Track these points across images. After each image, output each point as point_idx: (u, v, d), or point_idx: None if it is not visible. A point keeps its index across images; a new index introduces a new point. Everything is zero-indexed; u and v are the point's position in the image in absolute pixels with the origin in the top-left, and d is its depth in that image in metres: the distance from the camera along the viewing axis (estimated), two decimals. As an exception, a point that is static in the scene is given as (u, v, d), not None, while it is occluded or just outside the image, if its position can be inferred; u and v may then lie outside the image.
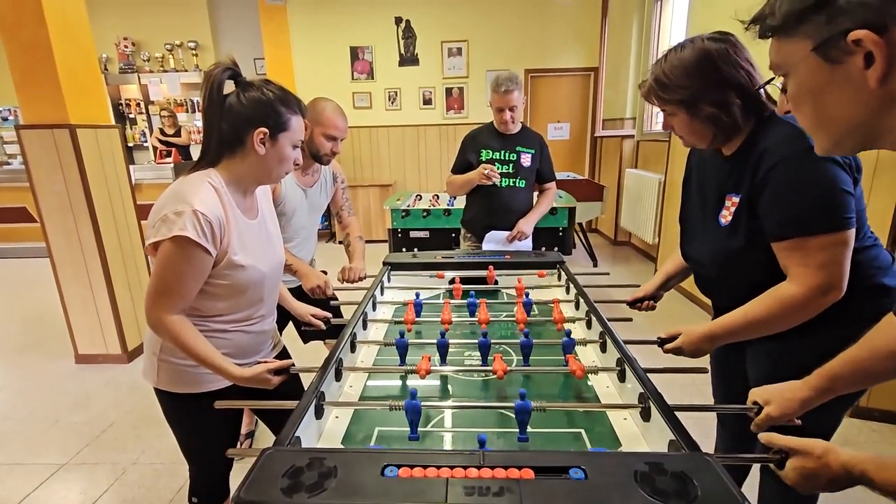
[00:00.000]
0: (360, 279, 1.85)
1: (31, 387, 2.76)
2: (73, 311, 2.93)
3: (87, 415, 2.44)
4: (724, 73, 1.01)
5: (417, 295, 1.52)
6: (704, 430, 1.40)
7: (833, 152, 0.63)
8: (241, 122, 1.06)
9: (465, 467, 0.71)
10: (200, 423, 1.23)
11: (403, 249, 3.51)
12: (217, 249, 1.05)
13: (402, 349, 1.19)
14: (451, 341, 1.19)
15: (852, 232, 0.96)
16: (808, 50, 0.55)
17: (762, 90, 1.02)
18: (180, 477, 1.95)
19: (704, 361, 1.37)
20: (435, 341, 1.18)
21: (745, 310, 1.06)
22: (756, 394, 0.93)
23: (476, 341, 1.20)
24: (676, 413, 0.89)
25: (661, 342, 1.21)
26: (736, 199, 1.10)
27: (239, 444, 2.07)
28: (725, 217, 1.13)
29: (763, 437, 0.80)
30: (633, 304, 1.49)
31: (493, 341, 1.21)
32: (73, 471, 2.03)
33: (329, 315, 1.48)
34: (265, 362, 1.12)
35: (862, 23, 0.49)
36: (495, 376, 1.07)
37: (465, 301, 1.50)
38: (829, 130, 0.59)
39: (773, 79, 0.64)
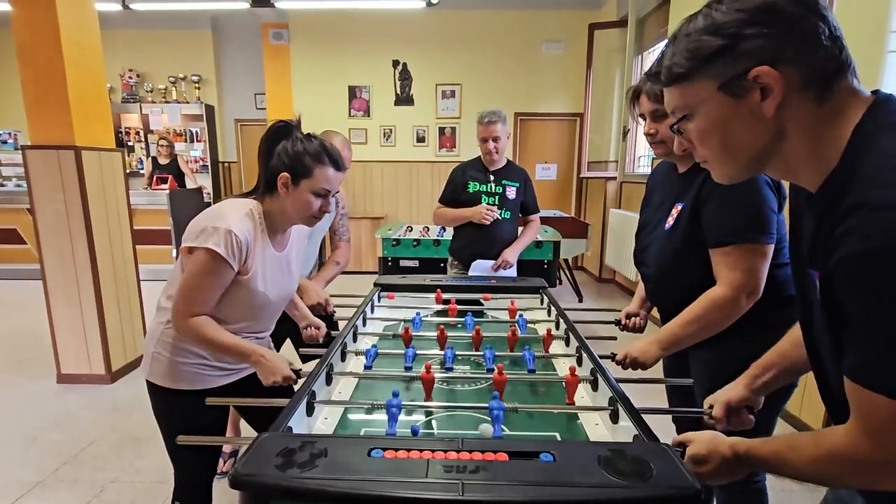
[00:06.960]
0: (324, 304, 1.80)
1: (8, 405, 2.72)
2: (60, 330, 2.93)
3: (66, 433, 2.40)
4: None
5: (418, 314, 1.64)
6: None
7: (734, 179, 0.71)
8: (276, 167, 1.22)
9: (445, 451, 0.78)
10: (186, 421, 1.27)
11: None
12: (238, 266, 1.18)
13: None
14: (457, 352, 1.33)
15: (772, 246, 1.14)
16: (714, 89, 0.64)
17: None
18: (160, 495, 1.93)
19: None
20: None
21: (683, 312, 1.22)
22: (708, 399, 1.04)
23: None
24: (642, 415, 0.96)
25: (615, 357, 1.31)
26: (679, 207, 1.27)
27: (223, 462, 2.08)
28: (669, 222, 1.30)
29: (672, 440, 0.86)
30: (619, 324, 1.59)
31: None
32: (50, 488, 2.00)
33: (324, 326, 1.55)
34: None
35: (759, 61, 0.60)
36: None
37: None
38: (735, 158, 0.68)
39: (683, 118, 0.70)
